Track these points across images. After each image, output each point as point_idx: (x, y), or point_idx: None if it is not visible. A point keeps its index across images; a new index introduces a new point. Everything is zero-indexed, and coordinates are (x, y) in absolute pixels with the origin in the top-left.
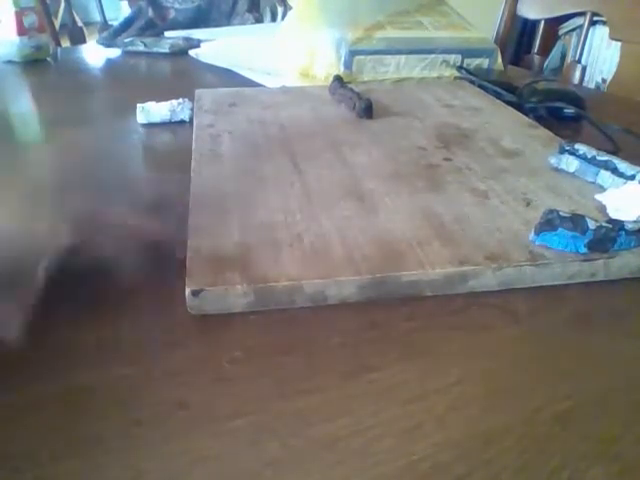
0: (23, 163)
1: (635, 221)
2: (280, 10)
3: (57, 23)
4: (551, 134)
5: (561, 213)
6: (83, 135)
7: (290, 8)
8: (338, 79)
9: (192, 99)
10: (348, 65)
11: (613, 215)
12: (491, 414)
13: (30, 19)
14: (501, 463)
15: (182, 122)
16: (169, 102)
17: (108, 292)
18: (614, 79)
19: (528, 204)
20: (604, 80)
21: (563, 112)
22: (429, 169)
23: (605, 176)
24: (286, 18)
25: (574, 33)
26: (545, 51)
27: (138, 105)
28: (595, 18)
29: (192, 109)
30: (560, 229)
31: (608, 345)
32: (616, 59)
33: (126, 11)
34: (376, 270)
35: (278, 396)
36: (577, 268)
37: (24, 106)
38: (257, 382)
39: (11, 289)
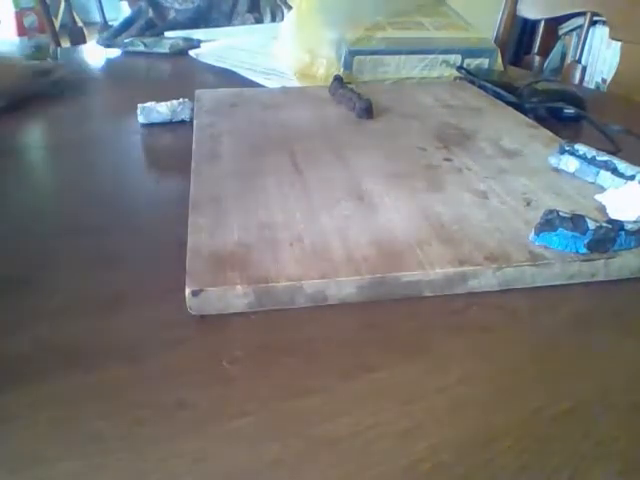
0: (23, 164)
1: (635, 221)
2: (280, 10)
3: (57, 23)
4: (551, 134)
5: (561, 213)
6: (84, 135)
7: (290, 8)
8: (338, 79)
9: (192, 99)
10: (348, 65)
11: (613, 215)
12: (491, 414)
13: (30, 19)
14: (501, 463)
15: (182, 122)
16: (169, 102)
17: (108, 291)
18: (614, 79)
19: (528, 204)
20: (604, 80)
21: (563, 112)
22: (429, 169)
23: (605, 176)
24: (286, 18)
25: (574, 33)
26: (545, 51)
27: (139, 105)
28: (595, 18)
29: (192, 109)
30: (560, 229)
31: (608, 345)
32: (616, 59)
33: (126, 11)
34: (376, 270)
35: (278, 396)
36: (577, 268)
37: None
38: (257, 382)
39: None
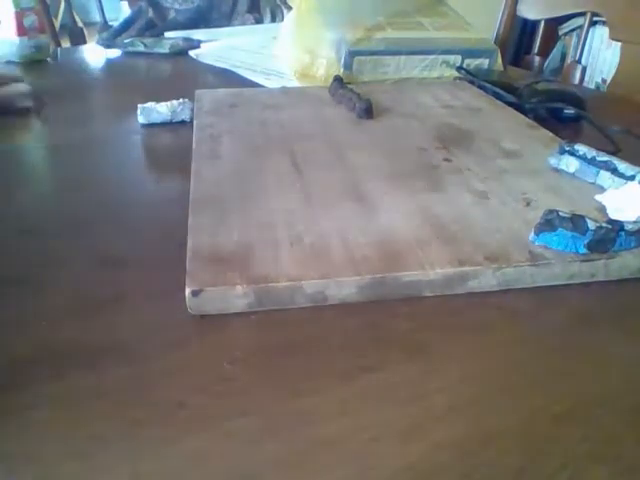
0: (23, 164)
1: (635, 221)
2: (280, 10)
3: (57, 23)
4: (551, 134)
5: (561, 213)
6: (83, 136)
7: (290, 8)
8: (338, 80)
9: (192, 99)
10: (348, 65)
11: (613, 215)
12: (491, 414)
13: (30, 19)
14: (501, 463)
15: (182, 122)
16: (170, 102)
17: (108, 291)
18: (614, 79)
19: (528, 204)
20: (604, 80)
21: (563, 112)
22: (429, 169)
23: (605, 176)
24: (286, 18)
25: (574, 33)
26: (545, 51)
27: (139, 105)
28: (595, 18)
29: (192, 109)
30: (560, 229)
31: (608, 345)
32: (616, 59)
33: (126, 11)
34: (376, 270)
35: (278, 396)
36: (577, 268)
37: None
38: (257, 382)
39: None
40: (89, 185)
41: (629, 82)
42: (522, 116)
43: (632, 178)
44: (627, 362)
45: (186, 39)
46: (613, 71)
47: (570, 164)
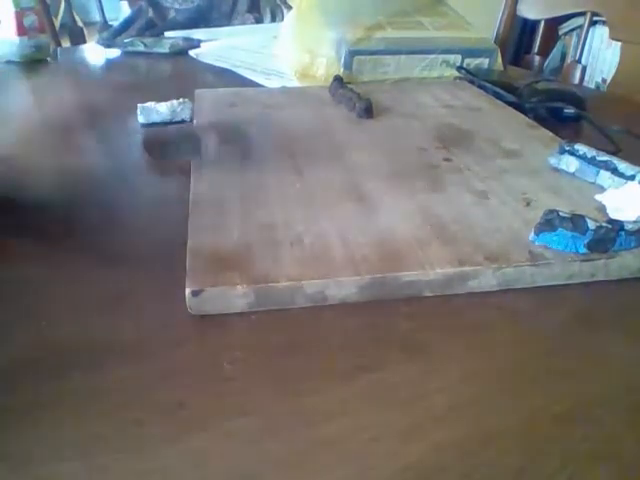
0: (22, 164)
1: (635, 221)
2: (280, 10)
3: (57, 23)
4: (551, 134)
5: (561, 213)
6: (83, 135)
7: (290, 8)
8: (338, 79)
9: (192, 99)
10: (348, 65)
11: (613, 215)
12: (491, 414)
13: (30, 19)
14: (501, 463)
15: (183, 122)
16: (170, 102)
17: (108, 291)
18: (614, 79)
19: (528, 204)
20: (604, 80)
21: (563, 112)
22: (429, 169)
23: (605, 176)
24: (286, 18)
25: (574, 33)
26: (545, 51)
27: (138, 105)
28: (595, 18)
29: (192, 109)
30: (560, 229)
31: (608, 345)
32: (616, 59)
33: (126, 11)
34: (376, 270)
35: (278, 396)
36: (577, 268)
37: (24, 107)
38: (257, 382)
39: None
40: (89, 185)
41: (629, 82)
42: (522, 116)
43: (632, 178)
44: (627, 362)
45: (186, 39)
46: (613, 71)
47: (570, 164)
